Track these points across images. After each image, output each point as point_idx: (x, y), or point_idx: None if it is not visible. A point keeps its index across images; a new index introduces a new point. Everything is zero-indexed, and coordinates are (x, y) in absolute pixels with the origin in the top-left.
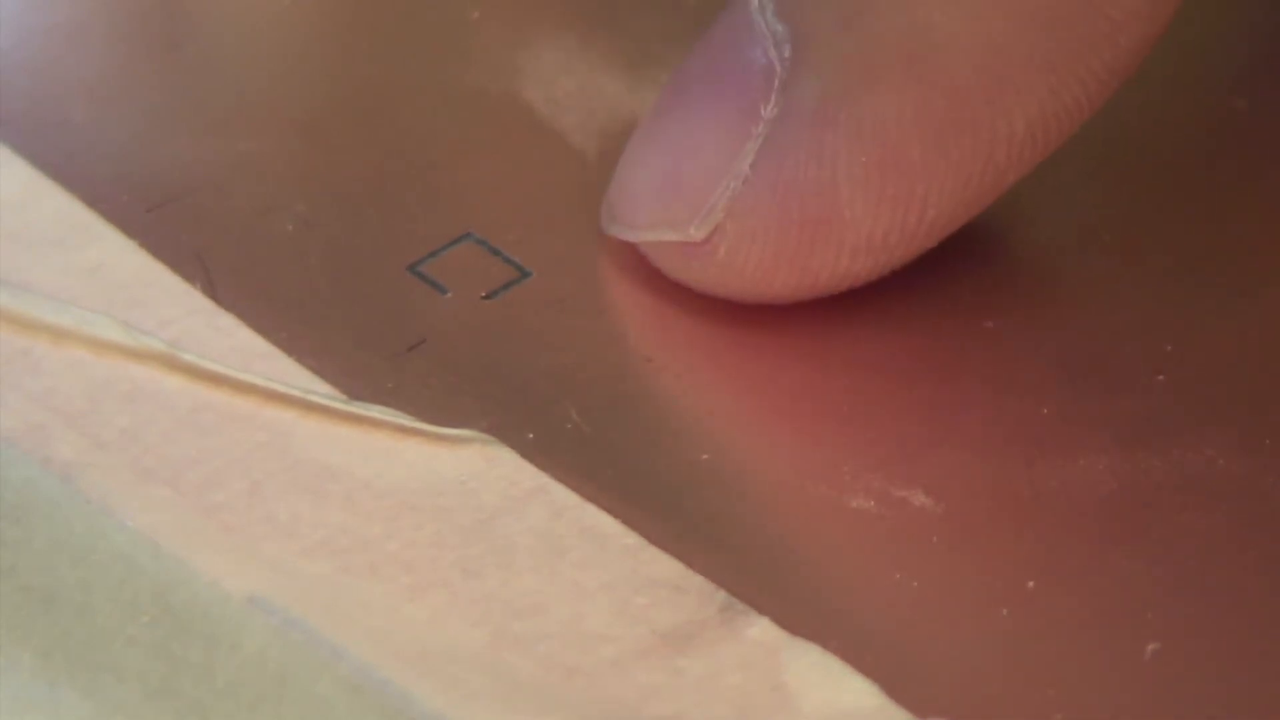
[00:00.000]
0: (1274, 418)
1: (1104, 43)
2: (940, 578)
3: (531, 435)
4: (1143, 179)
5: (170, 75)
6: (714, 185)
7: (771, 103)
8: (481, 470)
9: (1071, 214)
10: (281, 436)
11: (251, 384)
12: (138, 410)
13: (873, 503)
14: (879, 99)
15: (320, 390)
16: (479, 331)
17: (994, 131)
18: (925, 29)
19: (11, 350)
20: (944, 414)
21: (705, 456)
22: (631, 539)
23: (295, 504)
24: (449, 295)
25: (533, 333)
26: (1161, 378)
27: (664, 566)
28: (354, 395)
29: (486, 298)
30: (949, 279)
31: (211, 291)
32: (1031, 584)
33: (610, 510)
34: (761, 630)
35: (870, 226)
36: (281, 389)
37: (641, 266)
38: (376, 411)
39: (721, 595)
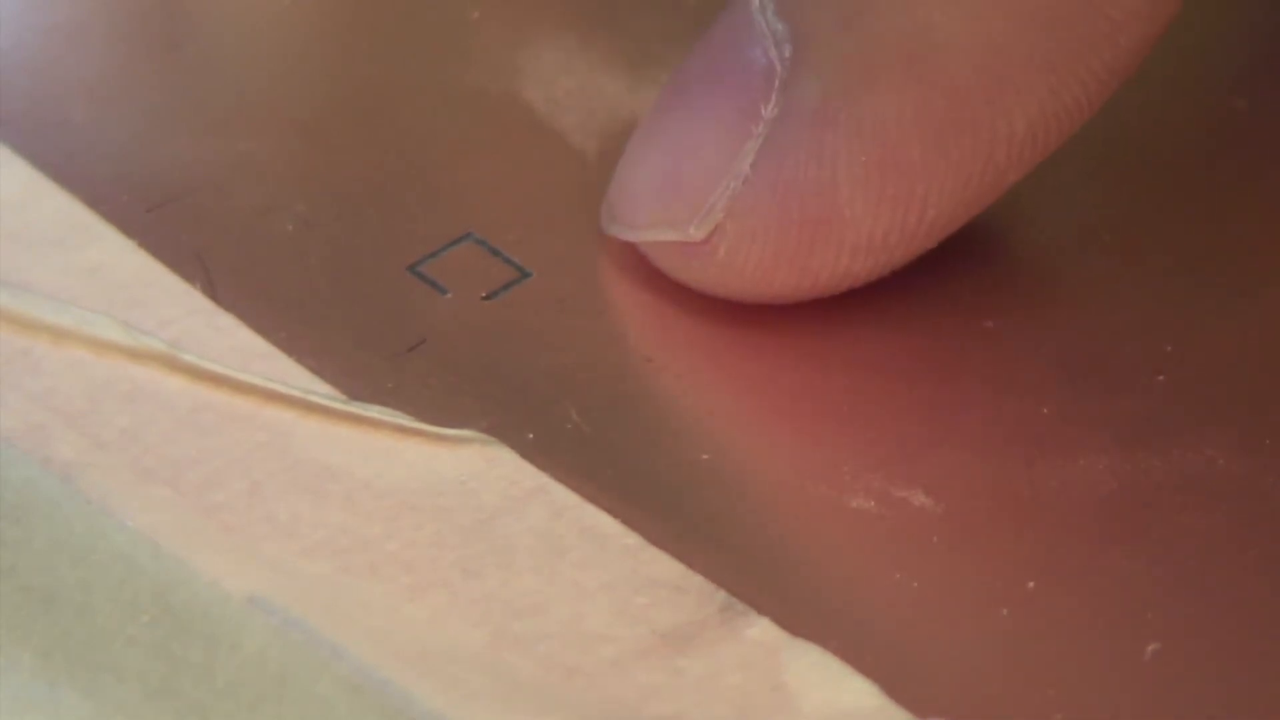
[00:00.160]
0: (1274, 418)
1: (1104, 43)
2: (940, 578)
3: (531, 435)
4: (1143, 179)
5: (170, 75)
6: (714, 185)
7: (772, 102)
8: (481, 470)
9: (1071, 214)
10: (281, 436)
11: (251, 384)
12: (138, 410)
13: (873, 503)
14: (879, 99)
15: (320, 390)
16: (479, 331)
17: (994, 131)
18: (925, 29)
19: (11, 350)
20: (944, 414)
21: (705, 456)
22: (631, 539)
23: (295, 504)
24: (449, 295)
25: (533, 333)
26: (1161, 378)
27: (664, 566)
28: (354, 395)
29: (486, 298)
30: (949, 279)
31: (211, 291)
32: (1031, 584)
33: (610, 510)
34: (761, 630)
35: (870, 226)
36: (281, 389)
37: (641, 266)
38: (376, 411)
39: (721, 595)
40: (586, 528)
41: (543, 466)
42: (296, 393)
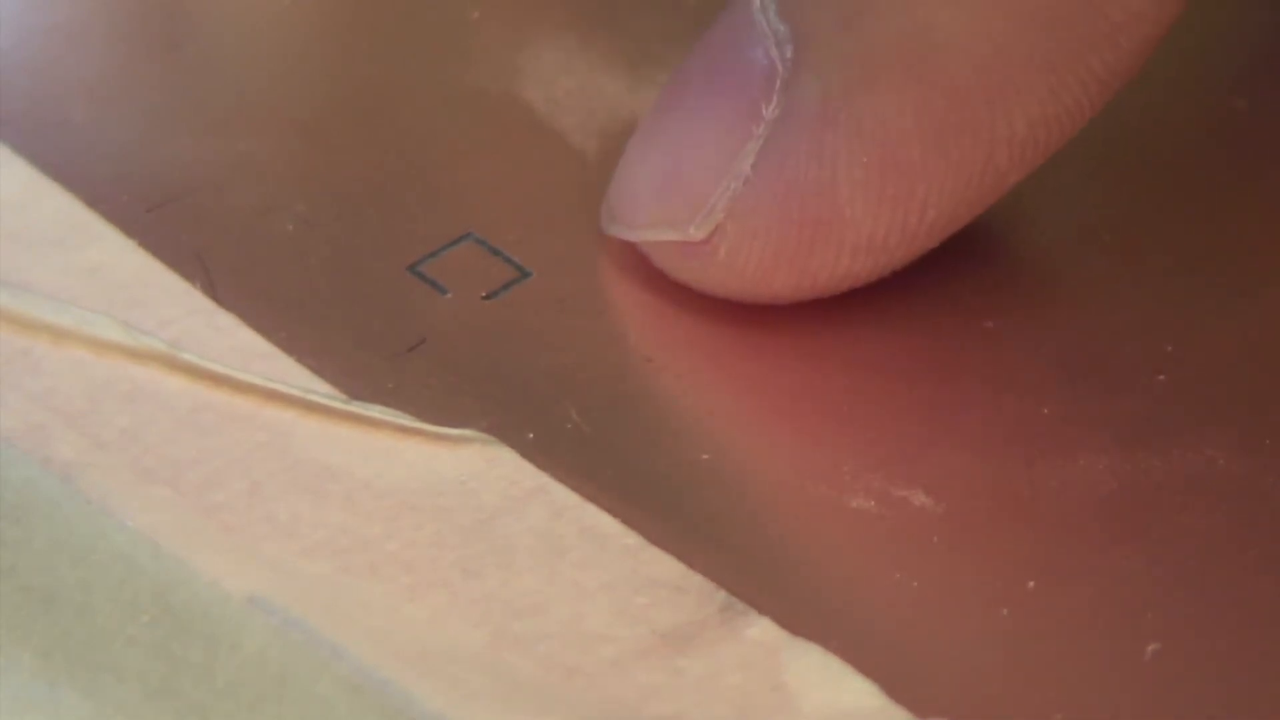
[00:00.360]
0: (1274, 418)
1: (1105, 44)
2: (940, 578)
3: (531, 435)
4: (1143, 179)
5: (170, 75)
6: (714, 185)
7: (773, 103)
8: (481, 470)
9: (1072, 214)
10: (281, 436)
11: (251, 384)
12: (138, 410)
13: (873, 503)
14: (880, 99)
15: (320, 390)
16: (479, 331)
17: (994, 132)
18: (926, 29)
19: (11, 350)
20: (944, 414)
21: (705, 456)
22: (631, 539)
23: (295, 504)
24: (449, 295)
25: (533, 333)
26: (1161, 378)
27: (664, 566)
28: (354, 395)
29: (486, 298)
30: (949, 279)
31: (211, 291)
32: (1031, 584)
33: (610, 510)
34: (761, 630)
35: (870, 227)
36: (281, 389)
37: (641, 266)
38: (376, 411)
39: (721, 595)
40: (586, 528)
41: (543, 466)
42: (296, 393)
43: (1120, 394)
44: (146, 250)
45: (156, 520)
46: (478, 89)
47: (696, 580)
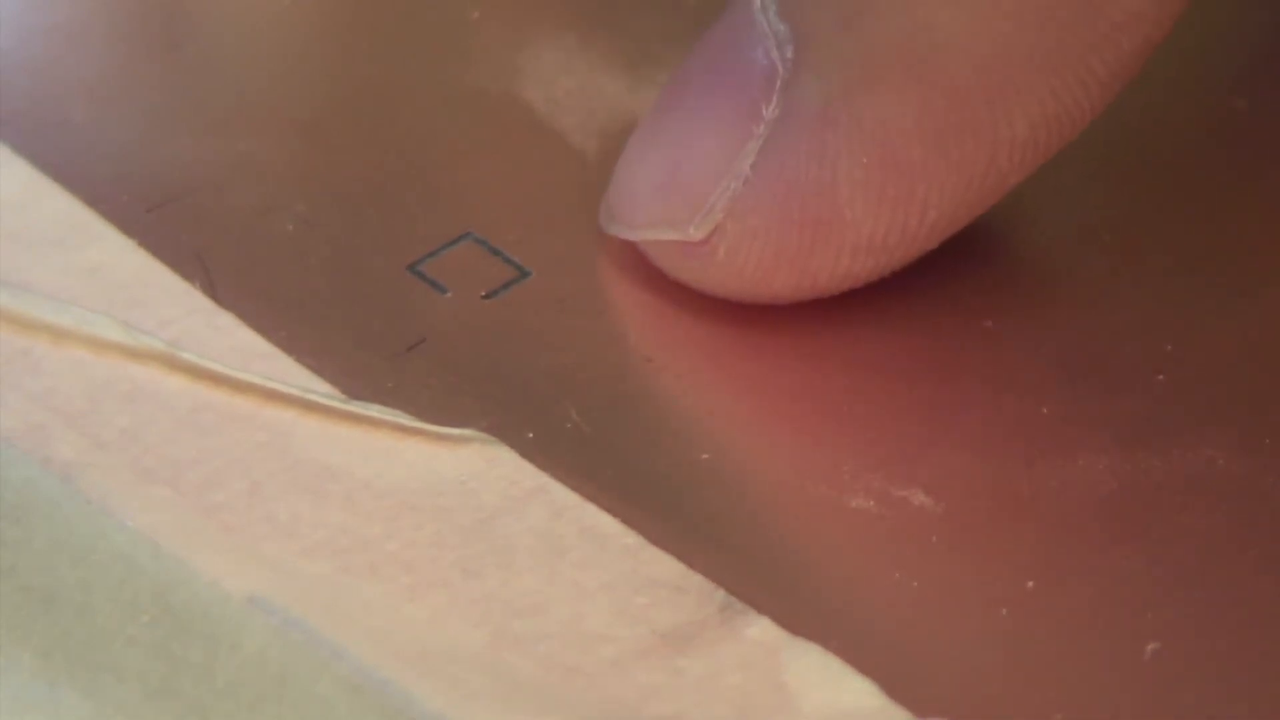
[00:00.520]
0: (1274, 418)
1: (1107, 45)
2: (940, 578)
3: (531, 435)
4: (1143, 179)
5: (170, 75)
6: (714, 185)
7: (773, 103)
8: (481, 470)
9: (1072, 214)
10: (281, 436)
11: (251, 384)
12: (138, 410)
13: (873, 503)
14: (880, 100)
15: (320, 390)
16: (479, 331)
17: (995, 133)
18: (927, 30)
19: (11, 350)
20: (944, 414)
21: (705, 456)
22: (631, 539)
23: (295, 504)
24: (449, 295)
25: (533, 333)
26: (1161, 378)
27: (664, 566)
28: (354, 395)
29: (486, 298)
30: (949, 279)
31: (211, 291)
32: (1031, 584)
33: (610, 510)
34: (761, 630)
35: (871, 227)
36: (281, 389)
37: (641, 266)
38: (376, 411)
39: (721, 595)
40: (586, 528)
41: (543, 466)
42: (296, 392)
43: (1120, 394)
44: (146, 250)
45: (156, 520)
46: (478, 89)
47: (696, 580)
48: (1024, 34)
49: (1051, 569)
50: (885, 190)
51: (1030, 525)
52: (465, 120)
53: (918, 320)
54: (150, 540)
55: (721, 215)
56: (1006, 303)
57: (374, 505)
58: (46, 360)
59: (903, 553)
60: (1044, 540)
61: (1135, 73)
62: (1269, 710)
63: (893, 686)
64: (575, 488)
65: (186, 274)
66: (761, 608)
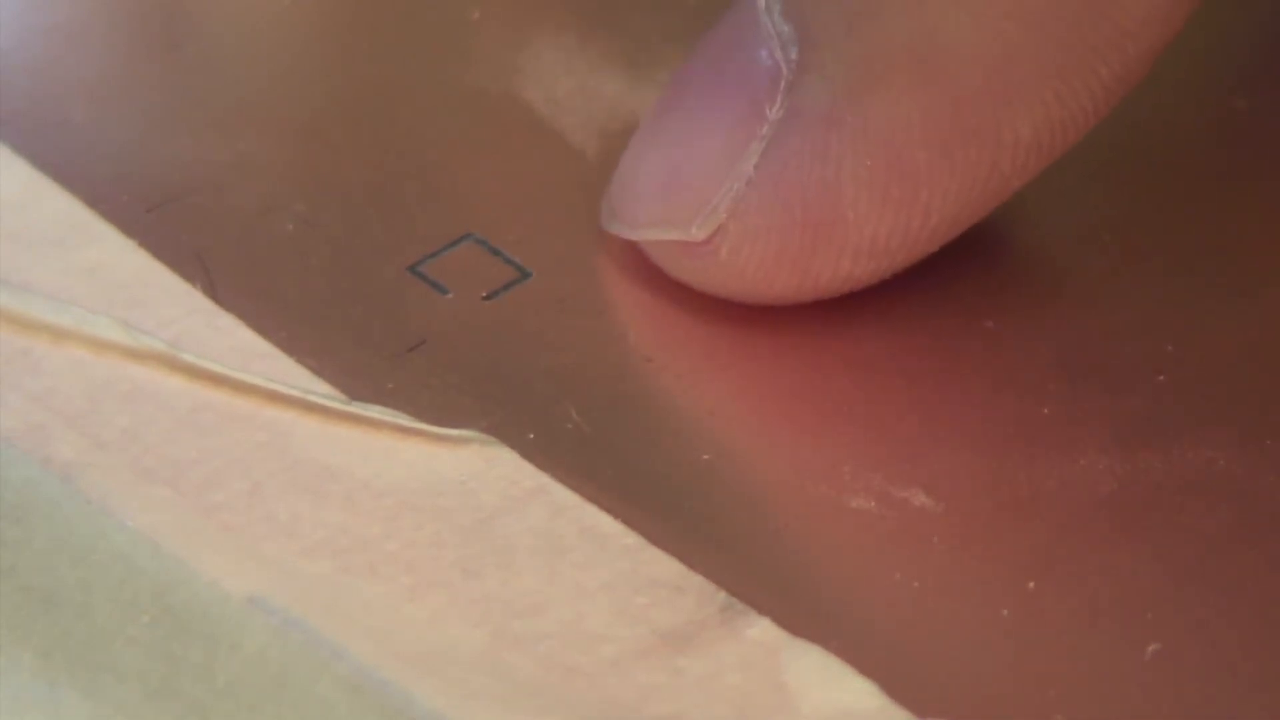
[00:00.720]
0: (1274, 418)
1: (1112, 51)
2: (940, 578)
3: (531, 435)
4: (1143, 179)
5: (170, 75)
6: (717, 185)
7: (777, 104)
8: (481, 470)
9: (1072, 214)
10: (281, 436)
11: (251, 384)
12: (138, 410)
13: (873, 503)
14: (885, 102)
15: (320, 390)
16: (479, 331)
17: (999, 137)
18: (932, 33)
19: (11, 350)
20: (944, 414)
21: (705, 456)
22: (631, 539)
23: (295, 504)
24: (449, 295)
25: (533, 333)
26: (1161, 378)
27: (664, 566)
28: (354, 395)
29: (486, 298)
30: (950, 279)
31: (211, 291)
32: (1031, 584)
33: (610, 510)
34: (761, 630)
35: (873, 229)
36: (281, 389)
37: (642, 266)
38: (376, 411)
39: (721, 595)
40: (586, 528)
41: (543, 466)
42: (296, 393)
43: (1120, 394)
44: (146, 250)
45: (156, 520)
46: (478, 89)
47: (696, 580)
48: (1030, 38)
49: (1052, 569)
50: (889, 193)
51: (1030, 525)
52: (465, 120)
53: (918, 320)
54: (150, 540)
55: (724, 215)
56: (1007, 303)
57: (374, 505)
58: (46, 360)
59: (903, 553)
60: (1044, 540)
61: (1141, 77)
62: (1269, 710)
63: (893, 686)
64: (575, 488)
65: (186, 274)
66: (761, 608)
